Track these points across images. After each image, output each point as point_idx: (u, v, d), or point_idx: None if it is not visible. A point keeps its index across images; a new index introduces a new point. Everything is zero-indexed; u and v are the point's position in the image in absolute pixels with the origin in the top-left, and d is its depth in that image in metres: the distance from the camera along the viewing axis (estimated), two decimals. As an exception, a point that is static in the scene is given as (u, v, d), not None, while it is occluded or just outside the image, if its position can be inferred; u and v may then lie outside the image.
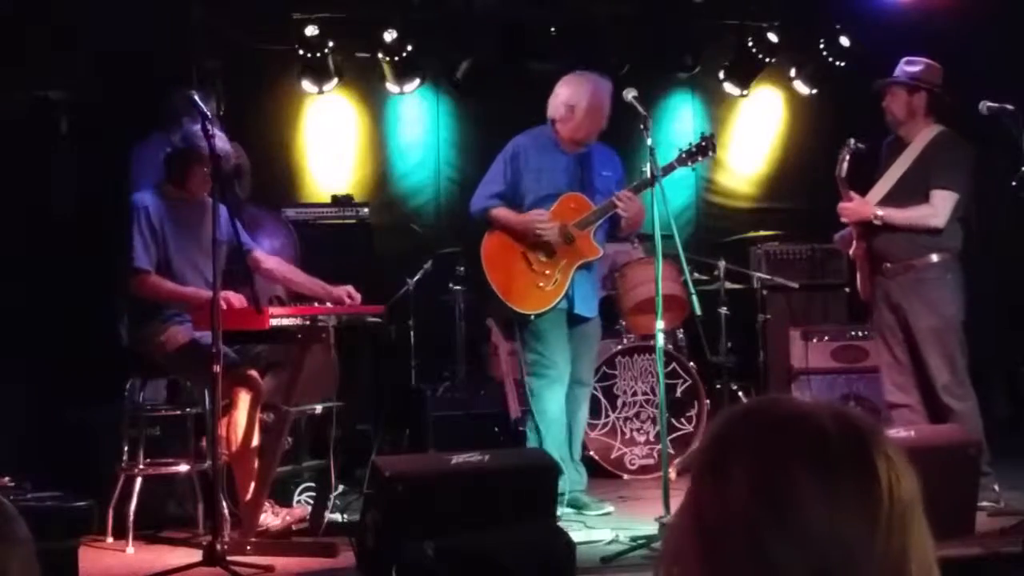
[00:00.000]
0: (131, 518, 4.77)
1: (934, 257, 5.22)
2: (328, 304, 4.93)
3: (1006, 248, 7.25)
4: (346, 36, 7.37)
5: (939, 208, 5.19)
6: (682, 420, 6.48)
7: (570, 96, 5.46)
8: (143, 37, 6.38)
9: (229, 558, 4.27)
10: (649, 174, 4.89)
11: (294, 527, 4.90)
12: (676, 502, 1.14)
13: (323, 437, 5.20)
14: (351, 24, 7.40)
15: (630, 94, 4.95)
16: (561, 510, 4.88)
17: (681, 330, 6.74)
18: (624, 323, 6.59)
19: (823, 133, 7.76)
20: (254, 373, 4.83)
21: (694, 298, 4.72)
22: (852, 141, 5.27)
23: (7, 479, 4.41)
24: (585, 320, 5.54)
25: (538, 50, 7.55)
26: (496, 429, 6.42)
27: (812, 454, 1.03)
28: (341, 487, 5.30)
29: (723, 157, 8.10)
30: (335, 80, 7.44)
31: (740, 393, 6.86)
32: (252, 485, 4.73)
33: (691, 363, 6.55)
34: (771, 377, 7.09)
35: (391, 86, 7.59)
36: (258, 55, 7.33)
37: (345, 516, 5.05)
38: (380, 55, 7.35)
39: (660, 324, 4.68)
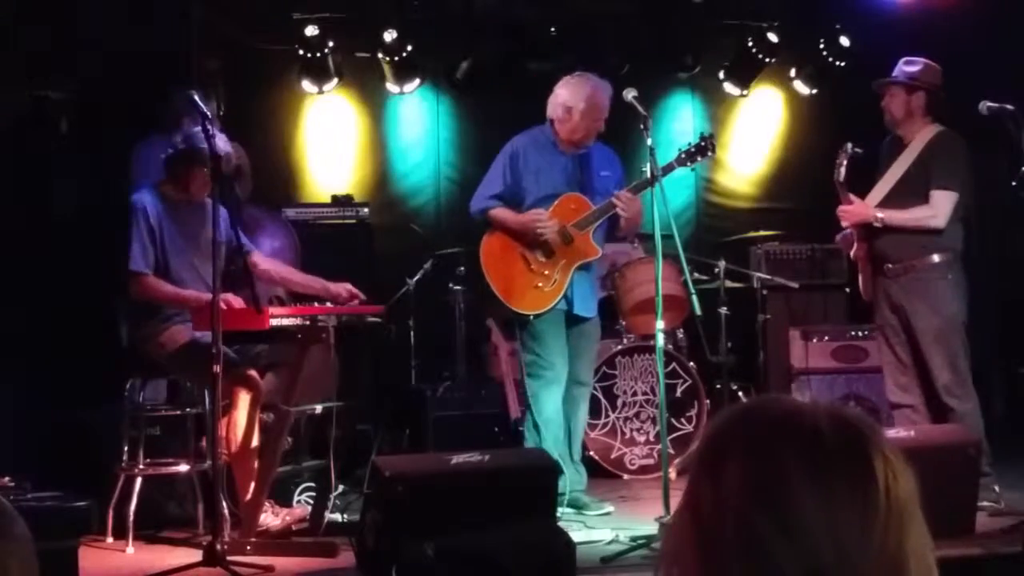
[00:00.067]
0: (131, 518, 4.77)
1: (935, 257, 5.22)
2: (328, 303, 4.93)
3: (1006, 248, 7.26)
4: (346, 36, 7.37)
5: (939, 208, 5.19)
6: (682, 420, 6.48)
7: (568, 98, 5.46)
8: (143, 37, 6.38)
9: (229, 558, 4.27)
10: (649, 174, 4.89)
11: (294, 527, 4.90)
12: (676, 502, 1.14)
13: (323, 437, 5.20)
14: (351, 24, 7.40)
15: (630, 94, 4.95)
16: (561, 510, 4.89)
17: (681, 330, 6.74)
18: (624, 323, 6.59)
19: (823, 133, 7.76)
20: (254, 373, 4.83)
21: (694, 298, 4.73)
22: (849, 146, 5.27)
23: (7, 479, 4.40)
24: (584, 320, 5.54)
25: (538, 50, 7.55)
26: (496, 429, 6.42)
27: (807, 453, 1.03)
28: (341, 487, 5.30)
29: (723, 157, 8.11)
30: (335, 80, 7.44)
31: (740, 393, 6.86)
32: (252, 485, 4.73)
33: (691, 363, 6.55)
34: (771, 377, 7.09)
35: (391, 86, 7.59)
36: (258, 55, 7.34)
37: (345, 516, 5.05)
38: (380, 55, 7.35)
39: (660, 324, 4.68)
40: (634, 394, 6.49)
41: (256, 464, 4.77)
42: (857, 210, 5.30)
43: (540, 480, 4.31)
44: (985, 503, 4.87)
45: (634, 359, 6.52)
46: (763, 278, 7.07)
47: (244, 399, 4.75)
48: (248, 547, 4.55)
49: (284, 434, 4.84)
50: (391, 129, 7.88)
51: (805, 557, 1.00)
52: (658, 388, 5.17)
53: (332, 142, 7.70)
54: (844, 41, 7.67)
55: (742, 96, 8.12)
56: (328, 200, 7.19)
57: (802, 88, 8.10)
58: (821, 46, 7.77)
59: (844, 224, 5.40)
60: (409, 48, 7.30)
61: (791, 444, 1.04)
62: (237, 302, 4.63)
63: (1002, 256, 7.33)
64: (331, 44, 7.19)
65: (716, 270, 6.79)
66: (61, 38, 6.25)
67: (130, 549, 4.76)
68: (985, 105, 5.01)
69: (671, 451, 5.93)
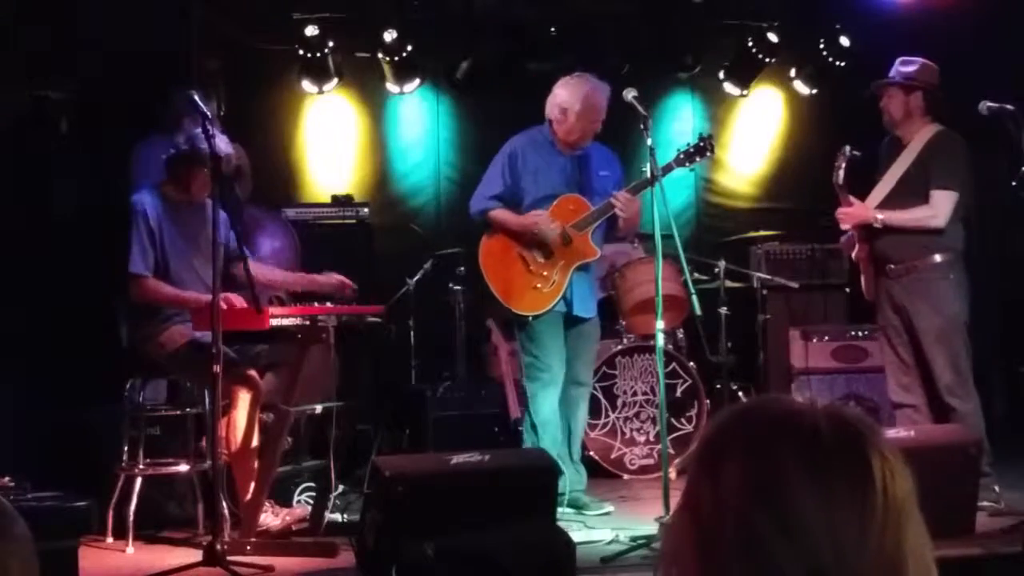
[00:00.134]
0: (131, 518, 4.77)
1: (937, 257, 5.22)
2: (328, 303, 4.93)
3: (1006, 248, 7.26)
4: (346, 36, 7.36)
5: (939, 209, 5.19)
6: (682, 420, 6.48)
7: (565, 98, 5.45)
8: (143, 37, 6.38)
9: (229, 558, 4.27)
10: (649, 174, 4.89)
11: (294, 527, 4.90)
12: (676, 502, 1.14)
13: (323, 437, 5.20)
14: (351, 24, 7.40)
15: (630, 94, 4.95)
16: (561, 510, 4.88)
17: (681, 330, 6.74)
18: (624, 323, 6.59)
19: (823, 133, 7.76)
20: (254, 373, 4.83)
21: (694, 298, 4.73)
22: (848, 148, 5.27)
23: (7, 479, 4.40)
24: (584, 321, 5.54)
25: (538, 50, 7.55)
26: (496, 429, 6.42)
27: (805, 452, 1.03)
28: (341, 487, 5.30)
29: (723, 157, 8.10)
30: (335, 80, 7.44)
31: (740, 393, 6.86)
32: (252, 485, 4.73)
33: (691, 363, 6.55)
34: (771, 377, 7.09)
35: (391, 86, 7.59)
36: (258, 55, 7.33)
37: (345, 516, 5.05)
38: (380, 55, 7.34)
39: (660, 324, 4.68)
40: (634, 394, 6.49)
41: (256, 464, 4.77)
42: (857, 212, 5.31)
43: (540, 480, 4.31)
44: (985, 503, 4.87)
45: (634, 359, 6.52)
46: (763, 278, 7.07)
47: (244, 399, 4.75)
48: (248, 547, 4.55)
49: (284, 434, 4.84)
50: (391, 129, 7.88)
51: (804, 557, 1.00)
52: (658, 388, 5.17)
53: (332, 142, 7.69)
54: (844, 41, 7.67)
55: (742, 96, 8.12)
56: (328, 200, 7.19)
57: (802, 88, 8.10)
58: (821, 46, 7.77)
59: (844, 226, 5.40)
60: (409, 48, 7.30)
61: (790, 444, 1.04)
62: (239, 301, 4.63)
63: (1002, 256, 7.33)
64: (331, 44, 7.19)
65: (716, 270, 6.80)
66: (61, 38, 6.25)
67: (130, 549, 4.76)
68: (985, 105, 5.01)
69: (671, 451, 5.93)
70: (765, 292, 7.15)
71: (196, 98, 4.55)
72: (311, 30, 7.12)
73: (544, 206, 5.44)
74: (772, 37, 7.70)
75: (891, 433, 4.29)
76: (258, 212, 6.28)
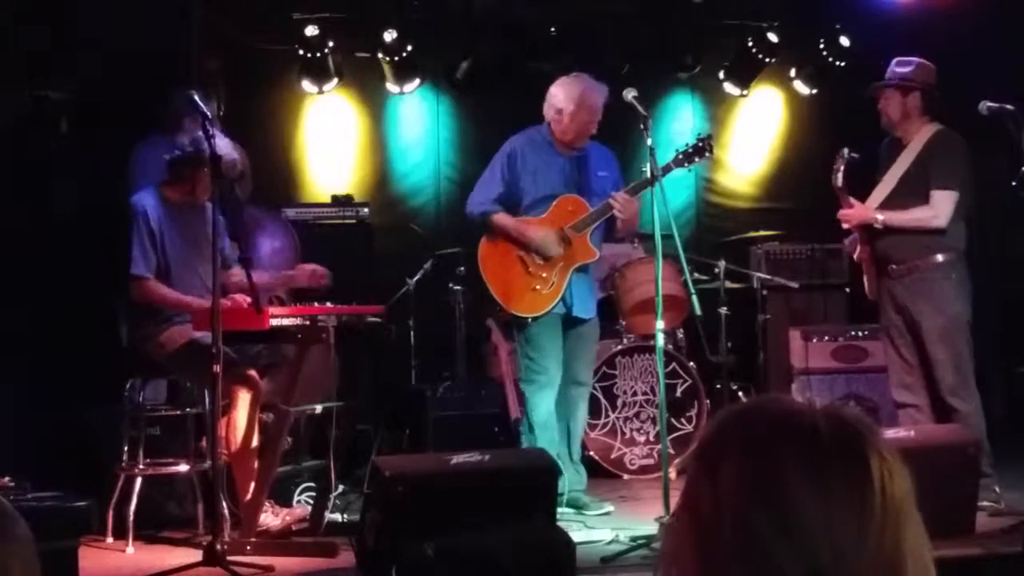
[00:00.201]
0: (131, 518, 4.78)
1: (939, 257, 5.23)
2: (328, 303, 4.93)
3: (1006, 248, 7.26)
4: (346, 36, 7.36)
5: (940, 209, 5.19)
6: (682, 420, 6.48)
7: (560, 99, 5.45)
8: (143, 37, 6.38)
9: (229, 558, 4.27)
10: (649, 174, 4.89)
11: (294, 527, 4.90)
12: (676, 502, 1.14)
13: (323, 437, 5.20)
14: (351, 24, 7.40)
15: (630, 94, 4.95)
16: (561, 510, 4.88)
17: (681, 330, 6.74)
18: (624, 323, 6.59)
19: (823, 133, 7.76)
20: (254, 373, 4.83)
21: (694, 298, 4.73)
22: (846, 151, 5.28)
23: (7, 479, 4.41)
24: (583, 322, 5.54)
25: (538, 50, 7.55)
26: (496, 429, 6.42)
27: (804, 452, 1.04)
28: (341, 487, 5.30)
29: (723, 157, 8.11)
30: (335, 80, 7.44)
31: (740, 393, 6.86)
32: (252, 485, 4.74)
33: (691, 363, 6.55)
34: (771, 377, 7.09)
35: (391, 86, 7.59)
36: (258, 55, 7.33)
37: (345, 516, 5.05)
38: (380, 55, 7.34)
39: (660, 324, 4.69)
40: (634, 394, 6.49)
41: (256, 464, 4.78)
42: (858, 213, 5.31)
43: (540, 480, 4.31)
44: (985, 503, 4.87)
45: (634, 359, 6.52)
46: (763, 278, 7.07)
47: (244, 399, 4.75)
48: (248, 547, 4.55)
49: (284, 434, 4.84)
50: (391, 129, 7.88)
51: (803, 557, 1.00)
52: (658, 388, 5.17)
53: (332, 142, 7.69)
54: (844, 41, 7.67)
55: (742, 96, 8.12)
56: (328, 200, 7.19)
57: (802, 88, 8.10)
58: (821, 46, 7.77)
59: (846, 227, 5.41)
60: (409, 48, 7.30)
61: (789, 444, 1.04)
62: (247, 302, 4.63)
63: (1002, 256, 7.33)
64: (331, 44, 7.19)
65: (716, 270, 6.80)
66: (61, 38, 6.25)
67: (130, 549, 4.76)
68: (985, 105, 5.01)
69: (671, 451, 5.93)
70: (765, 292, 7.15)
71: (196, 98, 4.55)
72: (311, 30, 7.12)
73: (543, 206, 5.44)
74: (772, 37, 7.70)
75: (890, 433, 4.30)
76: (258, 212, 6.27)
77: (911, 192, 5.27)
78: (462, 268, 6.72)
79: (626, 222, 5.42)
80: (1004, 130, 4.95)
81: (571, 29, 7.57)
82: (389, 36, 7.21)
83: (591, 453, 6.26)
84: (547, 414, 5.39)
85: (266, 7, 7.36)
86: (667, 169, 5.21)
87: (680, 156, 5.35)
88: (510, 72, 7.59)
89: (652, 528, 4.59)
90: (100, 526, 4.81)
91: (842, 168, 5.26)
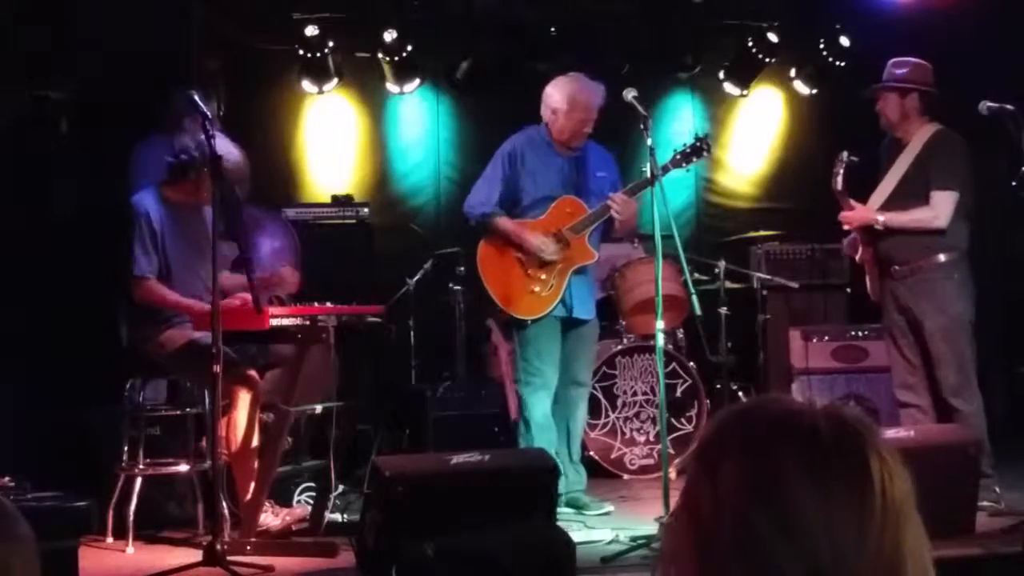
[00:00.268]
0: (131, 518, 4.78)
1: (941, 257, 5.23)
2: (328, 303, 4.93)
3: (1006, 248, 7.25)
4: (346, 36, 7.36)
5: (940, 209, 5.19)
6: (682, 420, 6.48)
7: (554, 99, 5.45)
8: (143, 37, 6.38)
9: (229, 558, 4.27)
10: (649, 174, 4.89)
11: (294, 527, 4.90)
12: (676, 502, 1.14)
13: (323, 437, 5.20)
14: (351, 24, 7.40)
15: (630, 94, 4.94)
16: (561, 510, 4.89)
17: (681, 330, 6.74)
18: (624, 323, 6.59)
19: (823, 133, 7.76)
20: (254, 373, 4.83)
21: (694, 298, 4.73)
22: (845, 154, 5.28)
23: (7, 479, 4.41)
24: (583, 322, 5.53)
25: (538, 50, 7.55)
26: (496, 429, 6.42)
27: (804, 452, 1.04)
28: (341, 487, 5.30)
29: (723, 157, 8.11)
30: (335, 80, 7.44)
31: (740, 393, 6.86)
32: (252, 485, 4.73)
33: (691, 363, 6.55)
34: (771, 377, 7.09)
35: (391, 86, 7.59)
36: (258, 55, 7.34)
37: (345, 516, 5.05)
38: (380, 55, 7.34)
39: (660, 324, 4.68)
40: (634, 394, 6.49)
41: (256, 464, 4.77)
42: (859, 215, 5.32)
43: (540, 480, 4.31)
44: (985, 503, 4.87)
45: (634, 359, 6.52)
46: (763, 278, 7.07)
47: (244, 399, 4.75)
48: (248, 547, 4.55)
49: (284, 434, 4.84)
50: (391, 129, 7.88)
51: (803, 557, 1.00)
52: (658, 388, 5.17)
53: (332, 142, 7.69)
54: (844, 41, 7.67)
55: (742, 96, 8.12)
56: (328, 200, 7.19)
57: (802, 88, 8.10)
58: (821, 46, 7.77)
59: (847, 228, 5.42)
60: (409, 48, 7.30)
61: (789, 444, 1.04)
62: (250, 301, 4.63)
63: (1003, 256, 7.32)
64: (331, 44, 7.19)
65: (716, 270, 6.80)
66: (61, 38, 6.25)
67: (130, 549, 4.76)
68: (985, 105, 5.01)
69: (671, 451, 5.93)
70: (765, 292, 7.15)
71: (196, 98, 4.54)
72: (311, 30, 7.12)
73: (542, 207, 5.43)
74: (772, 37, 7.70)
75: (890, 433, 4.30)
76: (258, 212, 6.27)
77: (911, 193, 5.27)
78: (462, 268, 6.73)
79: (624, 223, 5.42)
80: (1004, 130, 4.95)
81: (571, 29, 7.57)
82: (389, 36, 7.21)
83: (591, 453, 6.26)
84: (543, 416, 5.38)
85: (266, 7, 7.36)
86: (665, 170, 5.20)
87: (677, 156, 5.35)
88: (510, 72, 7.59)
89: (652, 528, 4.59)
90: (100, 526, 4.81)
91: (842, 171, 5.26)
